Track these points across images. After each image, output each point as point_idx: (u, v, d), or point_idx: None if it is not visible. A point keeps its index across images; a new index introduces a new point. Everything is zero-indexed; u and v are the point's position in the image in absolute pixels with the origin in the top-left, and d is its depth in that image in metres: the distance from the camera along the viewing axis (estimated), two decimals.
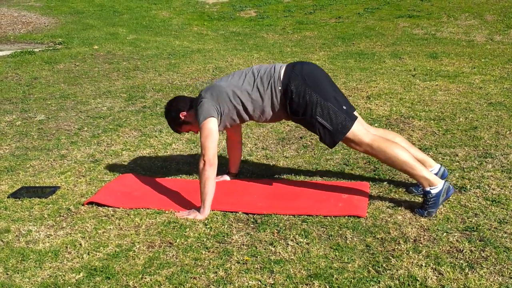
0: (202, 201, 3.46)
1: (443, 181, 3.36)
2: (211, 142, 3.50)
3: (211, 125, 3.53)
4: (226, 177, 4.08)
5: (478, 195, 3.59)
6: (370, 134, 3.47)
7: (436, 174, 3.58)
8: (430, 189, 3.31)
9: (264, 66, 3.66)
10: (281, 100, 3.53)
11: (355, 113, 3.61)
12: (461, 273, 2.73)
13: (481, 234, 3.09)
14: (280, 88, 3.50)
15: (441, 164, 3.78)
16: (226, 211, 3.52)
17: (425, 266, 2.80)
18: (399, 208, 3.44)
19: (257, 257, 2.96)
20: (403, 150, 3.41)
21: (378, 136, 3.49)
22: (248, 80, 3.58)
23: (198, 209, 3.51)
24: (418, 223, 3.25)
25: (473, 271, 2.74)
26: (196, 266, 2.90)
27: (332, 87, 3.58)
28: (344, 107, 3.50)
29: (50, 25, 13.05)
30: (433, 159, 3.79)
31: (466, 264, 2.81)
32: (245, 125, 5.31)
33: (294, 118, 3.58)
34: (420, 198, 3.58)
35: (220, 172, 4.21)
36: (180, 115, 3.73)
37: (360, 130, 3.46)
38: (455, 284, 2.64)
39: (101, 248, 3.12)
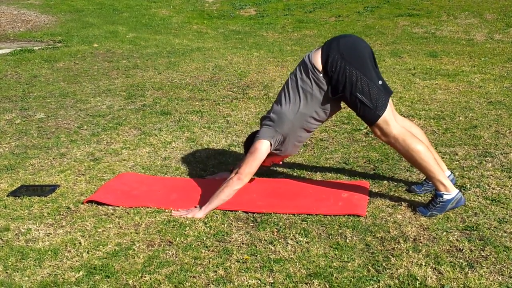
0: (210, 202, 3.46)
1: (458, 191, 3.33)
2: (253, 161, 3.47)
3: (262, 147, 3.48)
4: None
5: (478, 194, 3.59)
6: (398, 126, 3.37)
7: None
8: (443, 193, 3.29)
9: (297, 66, 3.53)
10: (327, 82, 3.38)
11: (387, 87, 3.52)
12: (461, 272, 2.73)
13: (481, 233, 3.09)
14: (321, 75, 3.35)
15: (451, 172, 3.75)
16: (226, 210, 3.52)
17: (425, 265, 2.80)
18: (399, 207, 3.44)
19: (256, 256, 2.96)
20: (426, 150, 3.34)
21: (405, 130, 3.39)
22: (292, 96, 3.46)
23: (196, 207, 3.51)
24: (418, 222, 3.24)
25: (473, 270, 2.74)
26: (195, 265, 2.90)
27: (371, 60, 3.44)
28: (380, 82, 3.39)
29: (50, 23, 13.04)
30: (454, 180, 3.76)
31: (466, 263, 2.81)
32: (244, 123, 5.31)
33: (334, 97, 3.39)
34: (420, 198, 3.58)
35: (221, 170, 4.22)
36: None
37: (391, 117, 3.35)
38: (455, 283, 2.64)
39: (101, 246, 3.12)
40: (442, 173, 3.35)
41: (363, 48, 3.43)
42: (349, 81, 3.30)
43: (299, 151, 4.41)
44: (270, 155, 3.62)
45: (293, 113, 3.45)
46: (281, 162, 3.92)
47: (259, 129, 3.65)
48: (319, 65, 3.36)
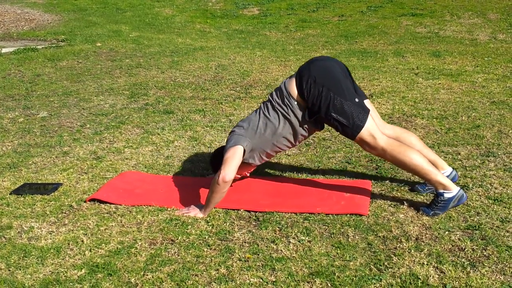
0: (206, 205, 3.46)
1: (459, 188, 3.32)
2: (232, 160, 3.44)
3: (237, 150, 3.48)
4: None
5: (480, 194, 3.59)
6: (385, 137, 3.41)
7: (447, 176, 3.56)
8: (444, 192, 3.29)
9: (274, 90, 3.62)
10: (303, 108, 3.47)
11: (367, 103, 3.57)
12: (463, 271, 2.73)
13: (483, 232, 3.09)
14: (296, 102, 3.45)
15: (453, 168, 3.75)
16: (228, 209, 3.52)
17: (427, 264, 2.80)
18: (401, 207, 3.44)
19: (258, 254, 2.96)
20: (417, 155, 3.36)
21: (392, 140, 3.43)
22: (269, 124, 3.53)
23: (198, 205, 3.51)
24: (420, 222, 3.24)
25: (475, 270, 2.74)
26: (197, 263, 2.90)
27: (345, 78, 3.49)
28: (357, 100, 3.43)
29: (53, 22, 13.06)
30: (457, 177, 3.75)
31: (468, 262, 2.81)
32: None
33: (310, 119, 3.48)
34: (423, 197, 3.58)
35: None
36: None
37: (375, 130, 3.40)
38: (457, 282, 2.64)
39: (103, 245, 3.12)
40: (438, 173, 3.35)
41: (335, 68, 3.51)
42: (324, 102, 3.38)
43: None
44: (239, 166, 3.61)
45: (269, 131, 3.53)
46: (248, 174, 3.90)
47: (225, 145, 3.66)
48: (294, 92, 3.46)
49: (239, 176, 3.77)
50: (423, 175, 3.37)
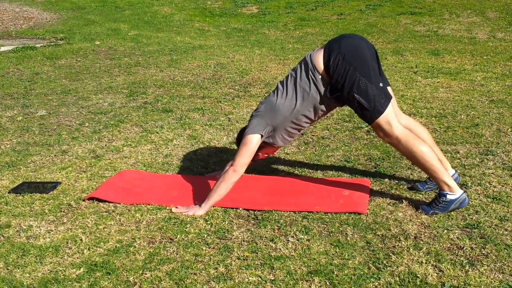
0: (208, 198, 3.46)
1: (463, 191, 3.31)
2: (246, 151, 3.47)
3: (253, 139, 3.49)
4: None
5: (479, 192, 3.59)
6: (401, 127, 3.36)
7: None
8: (448, 193, 3.28)
9: (299, 63, 3.55)
10: (326, 83, 3.40)
11: (389, 89, 3.52)
12: (462, 270, 2.73)
13: (481, 231, 3.09)
14: (320, 76, 3.37)
15: (455, 171, 3.73)
16: (227, 207, 3.52)
17: (426, 263, 2.80)
18: (400, 205, 3.44)
19: (257, 253, 2.96)
20: (430, 151, 3.32)
21: (408, 131, 3.38)
22: (289, 95, 3.48)
23: (196, 204, 3.51)
24: (418, 220, 3.24)
25: (474, 268, 2.74)
26: (196, 262, 2.90)
27: (373, 61, 3.44)
28: (381, 84, 3.38)
29: (52, 21, 13.05)
30: (458, 179, 3.74)
31: (466, 261, 2.81)
32: (246, 121, 5.31)
33: (331, 96, 3.41)
34: (421, 195, 3.58)
35: (222, 167, 4.22)
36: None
37: (393, 118, 3.34)
38: (455, 281, 2.64)
39: (102, 243, 3.12)
40: (446, 173, 3.33)
41: (365, 49, 3.41)
42: (348, 82, 3.30)
43: (291, 143, 4.41)
44: (261, 147, 3.65)
45: (287, 109, 3.47)
46: (274, 154, 3.94)
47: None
48: (320, 66, 3.37)
49: (266, 155, 3.80)
50: (431, 172, 3.33)
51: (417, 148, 3.30)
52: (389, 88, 3.52)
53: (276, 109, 3.50)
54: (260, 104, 3.66)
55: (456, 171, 3.73)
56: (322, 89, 3.40)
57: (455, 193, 3.27)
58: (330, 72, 3.34)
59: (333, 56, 3.33)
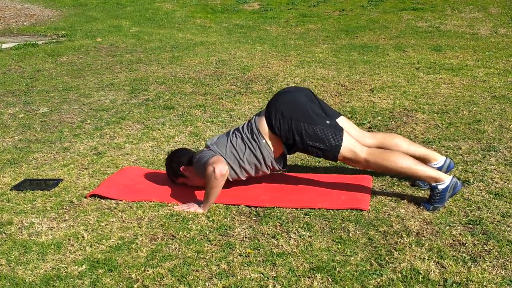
0: (204, 201, 3.46)
1: (451, 177, 3.33)
2: (219, 159, 3.47)
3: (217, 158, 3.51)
4: None
5: (481, 188, 3.59)
6: (365, 149, 3.45)
7: (441, 166, 3.58)
8: (437, 184, 3.30)
9: (245, 123, 3.69)
10: (275, 146, 3.54)
11: (342, 120, 3.64)
12: (464, 266, 2.73)
13: (484, 227, 3.08)
14: (264, 141, 3.51)
15: (446, 156, 3.75)
16: (229, 204, 3.52)
17: (428, 259, 2.80)
18: (402, 202, 3.44)
19: (259, 250, 2.96)
20: (401, 157, 3.39)
21: (373, 149, 3.47)
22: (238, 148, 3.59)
23: (197, 202, 3.51)
24: (420, 217, 3.24)
25: (476, 265, 2.73)
26: (198, 258, 2.90)
27: (311, 103, 3.57)
28: (328, 122, 3.49)
29: (54, 18, 13.05)
30: (453, 164, 3.75)
31: (468, 257, 2.80)
32: (247, 118, 5.31)
33: (290, 154, 3.60)
34: (423, 192, 3.57)
35: None
36: (180, 169, 3.76)
37: (354, 145, 3.45)
38: (458, 277, 2.64)
39: (104, 240, 3.12)
40: (427, 168, 3.37)
41: (300, 97, 3.57)
42: (297, 134, 3.45)
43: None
44: (185, 177, 3.79)
45: (234, 158, 3.57)
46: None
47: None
48: (264, 130, 3.52)
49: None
50: (412, 175, 3.42)
51: (388, 161, 3.38)
52: (341, 118, 3.65)
53: (224, 152, 3.57)
54: (208, 140, 3.75)
55: (447, 157, 3.73)
56: (265, 152, 3.53)
57: (444, 181, 3.30)
58: (277, 132, 3.47)
59: (273, 117, 3.47)
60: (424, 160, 3.59)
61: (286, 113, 3.46)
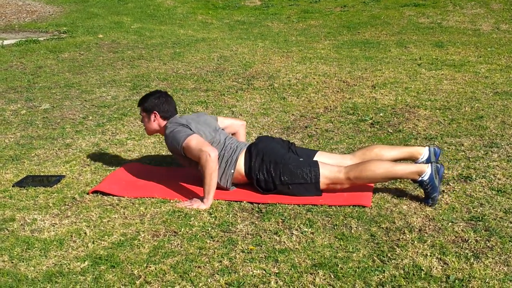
0: (206, 193, 3.46)
1: (429, 164, 3.36)
2: (200, 141, 3.54)
3: (194, 137, 3.58)
4: None
5: (483, 184, 3.58)
6: (342, 169, 3.48)
7: (429, 157, 3.60)
8: (421, 178, 3.32)
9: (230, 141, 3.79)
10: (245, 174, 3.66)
11: (319, 154, 3.73)
12: (466, 262, 2.72)
13: (486, 224, 3.08)
14: (232, 171, 3.64)
15: (428, 146, 3.78)
16: (231, 201, 3.52)
17: (430, 255, 2.80)
18: (404, 198, 3.44)
19: (261, 246, 2.96)
20: (377, 164, 3.42)
21: (349, 166, 3.50)
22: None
23: (200, 198, 3.51)
24: (423, 213, 3.24)
25: (478, 261, 2.73)
26: (200, 255, 2.90)
27: (285, 146, 3.72)
28: (301, 159, 3.59)
29: (55, 14, 13.04)
30: (439, 149, 3.76)
31: (471, 253, 2.80)
32: (249, 114, 5.30)
33: (268, 193, 3.61)
34: None
35: None
36: (153, 111, 3.80)
37: (331, 172, 3.49)
38: (460, 274, 2.63)
39: (106, 237, 3.12)
40: (406, 167, 3.41)
41: (275, 143, 3.71)
42: (276, 176, 3.53)
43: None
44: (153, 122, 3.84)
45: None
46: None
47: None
48: (241, 172, 3.64)
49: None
50: (394, 177, 3.45)
51: (366, 171, 3.42)
52: (318, 154, 3.73)
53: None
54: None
55: (433, 144, 3.75)
56: (229, 173, 3.66)
57: (425, 171, 3.33)
58: (253, 175, 3.59)
59: (253, 160, 3.59)
60: (411, 159, 3.66)
61: (265, 157, 3.58)
